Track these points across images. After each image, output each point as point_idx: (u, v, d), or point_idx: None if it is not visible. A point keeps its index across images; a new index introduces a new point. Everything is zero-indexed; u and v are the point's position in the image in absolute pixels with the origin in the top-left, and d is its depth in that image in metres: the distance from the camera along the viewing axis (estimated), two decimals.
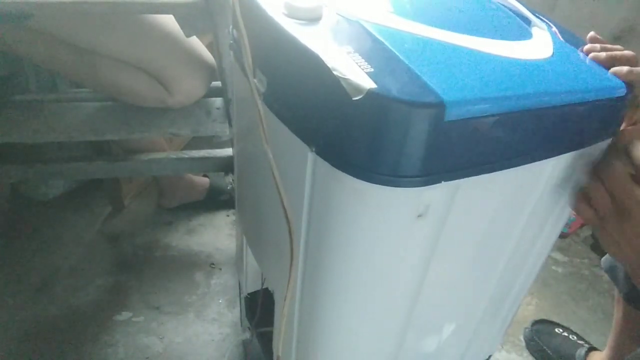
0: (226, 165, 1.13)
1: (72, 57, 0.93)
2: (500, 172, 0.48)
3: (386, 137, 0.41)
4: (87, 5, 0.72)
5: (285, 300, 0.53)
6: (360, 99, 0.40)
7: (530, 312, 1.26)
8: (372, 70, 0.42)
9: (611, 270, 0.92)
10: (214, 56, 1.00)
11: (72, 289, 1.18)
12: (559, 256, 1.44)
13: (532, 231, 0.60)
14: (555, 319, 1.22)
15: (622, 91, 0.51)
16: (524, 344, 1.18)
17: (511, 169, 0.48)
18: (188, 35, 0.90)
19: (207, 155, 1.12)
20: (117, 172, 1.16)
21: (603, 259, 0.94)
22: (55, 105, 1.04)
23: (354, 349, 0.60)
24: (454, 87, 0.42)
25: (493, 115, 0.43)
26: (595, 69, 0.53)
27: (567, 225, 1.50)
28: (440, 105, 0.40)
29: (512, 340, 1.19)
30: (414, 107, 0.40)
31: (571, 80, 0.50)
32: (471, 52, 0.49)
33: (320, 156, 0.45)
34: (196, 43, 0.98)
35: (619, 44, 0.56)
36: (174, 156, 1.11)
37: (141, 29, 0.91)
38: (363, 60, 0.44)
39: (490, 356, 0.83)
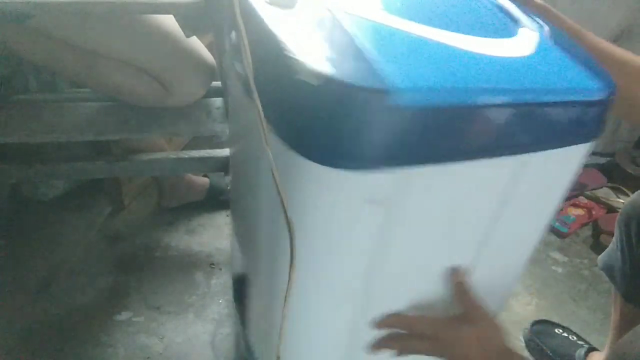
0: (226, 165, 1.13)
1: (72, 57, 0.93)
2: (455, 164, 0.47)
3: (332, 119, 0.42)
4: (87, 5, 0.72)
5: (285, 300, 0.53)
6: (309, 80, 0.41)
7: (530, 312, 1.26)
8: (329, 54, 0.43)
9: (608, 269, 0.91)
10: (214, 56, 1.00)
11: (72, 289, 1.18)
12: (559, 256, 1.44)
13: (507, 229, 0.59)
14: (555, 319, 1.22)
15: (602, 94, 0.49)
16: (523, 344, 1.18)
17: (468, 162, 0.48)
18: (188, 36, 0.90)
19: (207, 155, 1.12)
20: (117, 172, 1.16)
21: (599, 257, 0.94)
22: (55, 105, 1.04)
23: (313, 326, 0.60)
24: (406, 76, 0.43)
25: (443, 107, 0.43)
26: (577, 70, 0.51)
27: (567, 225, 1.50)
28: (385, 91, 0.40)
29: (512, 340, 1.19)
30: (359, 91, 0.41)
31: (544, 79, 0.49)
32: (439, 46, 0.49)
33: (277, 135, 0.46)
34: (196, 43, 0.98)
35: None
36: (174, 156, 1.11)
37: (141, 30, 0.91)
38: (323, 44, 0.45)
39: None
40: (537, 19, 0.61)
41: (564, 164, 0.55)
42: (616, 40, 1.44)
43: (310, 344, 0.63)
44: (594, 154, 1.76)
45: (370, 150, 0.43)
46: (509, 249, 0.64)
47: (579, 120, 0.51)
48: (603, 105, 0.50)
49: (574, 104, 0.49)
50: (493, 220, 0.57)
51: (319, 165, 0.44)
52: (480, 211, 0.56)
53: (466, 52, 0.49)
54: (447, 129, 0.45)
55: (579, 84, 0.49)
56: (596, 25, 1.45)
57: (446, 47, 0.49)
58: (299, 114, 0.43)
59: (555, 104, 0.48)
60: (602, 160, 1.74)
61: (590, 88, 0.49)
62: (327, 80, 0.41)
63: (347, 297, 0.57)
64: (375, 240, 0.51)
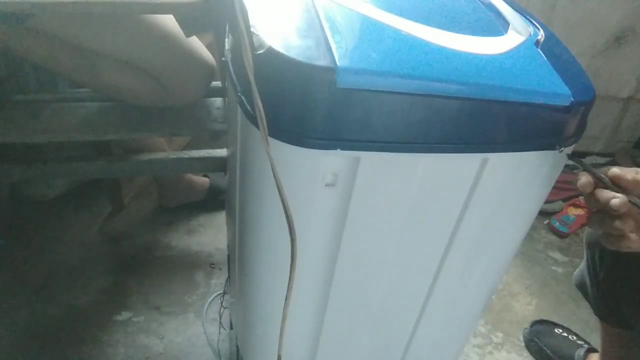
0: (226, 165, 1.13)
1: (72, 57, 0.93)
2: (409, 155, 0.47)
3: (284, 94, 0.43)
4: (87, 5, 0.72)
5: (286, 299, 0.53)
6: (262, 53, 0.43)
7: (530, 312, 1.26)
8: (290, 32, 0.44)
9: (581, 287, 0.91)
10: (214, 56, 1.00)
11: (72, 289, 1.18)
12: (559, 256, 1.44)
13: (476, 231, 0.57)
14: (555, 319, 1.22)
15: (569, 101, 0.47)
16: (524, 344, 1.18)
17: (424, 154, 0.47)
18: (188, 35, 0.90)
19: (207, 155, 1.11)
20: (117, 172, 1.16)
21: (574, 274, 0.93)
22: (55, 105, 1.04)
23: (275, 314, 0.59)
24: (359, 59, 0.43)
25: (391, 92, 0.43)
26: (551, 75, 0.49)
27: (567, 225, 1.50)
28: (331, 70, 0.41)
29: (512, 340, 1.19)
30: (305, 68, 0.42)
31: (505, 77, 0.47)
32: (405, 36, 0.49)
33: (242, 109, 0.47)
34: (196, 43, 0.98)
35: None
36: (174, 156, 1.11)
37: (141, 29, 0.91)
38: (290, 24, 0.46)
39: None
40: (533, 20, 0.59)
41: (530, 170, 0.53)
42: (617, 40, 1.44)
43: (272, 332, 0.62)
44: (594, 154, 1.76)
45: (309, 127, 0.44)
46: (480, 255, 0.61)
47: (540, 124, 0.49)
48: (569, 113, 0.48)
49: (533, 106, 0.47)
50: (458, 222, 0.55)
51: (271, 139, 0.44)
52: (442, 211, 0.54)
53: (431, 45, 0.48)
54: (400, 116, 0.44)
55: (544, 87, 0.47)
56: (596, 25, 1.45)
57: (411, 38, 0.49)
58: (258, 87, 0.44)
59: (509, 103, 0.46)
60: (602, 160, 1.74)
61: (556, 93, 0.47)
62: (269, 50, 0.42)
63: (308, 281, 0.57)
64: (332, 224, 0.51)
